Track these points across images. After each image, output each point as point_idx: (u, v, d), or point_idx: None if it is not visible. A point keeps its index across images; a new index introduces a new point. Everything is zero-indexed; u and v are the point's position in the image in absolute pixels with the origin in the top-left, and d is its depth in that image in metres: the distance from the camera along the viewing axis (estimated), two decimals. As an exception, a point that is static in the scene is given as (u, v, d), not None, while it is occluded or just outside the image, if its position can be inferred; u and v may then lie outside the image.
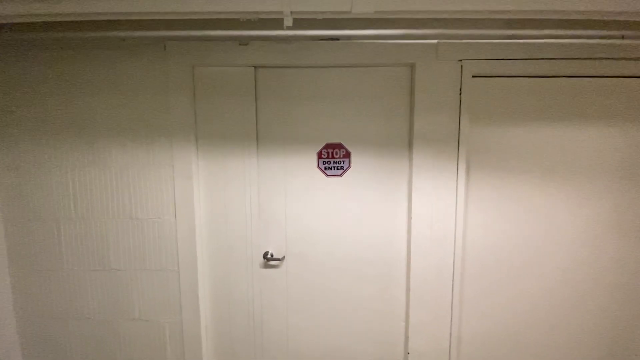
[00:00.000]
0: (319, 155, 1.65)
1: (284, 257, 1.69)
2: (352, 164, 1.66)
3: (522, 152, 1.66)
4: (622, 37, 1.47)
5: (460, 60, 1.56)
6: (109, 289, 1.66)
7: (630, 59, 1.56)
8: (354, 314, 1.73)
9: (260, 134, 1.64)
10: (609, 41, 1.51)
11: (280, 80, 1.61)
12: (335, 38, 1.52)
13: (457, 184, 1.62)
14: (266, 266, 1.70)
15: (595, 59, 1.56)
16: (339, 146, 1.65)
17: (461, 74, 1.57)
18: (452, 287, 1.68)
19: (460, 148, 1.60)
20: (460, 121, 1.59)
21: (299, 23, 1.41)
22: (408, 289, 1.69)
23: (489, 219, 1.70)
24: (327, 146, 1.65)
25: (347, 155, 1.65)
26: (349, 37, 1.52)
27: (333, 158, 1.65)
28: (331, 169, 1.66)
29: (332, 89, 1.62)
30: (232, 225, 1.66)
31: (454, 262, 1.66)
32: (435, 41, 1.54)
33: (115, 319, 1.67)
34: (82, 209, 1.61)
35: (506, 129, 1.65)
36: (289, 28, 1.22)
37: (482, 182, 1.68)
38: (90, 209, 1.61)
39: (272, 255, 1.68)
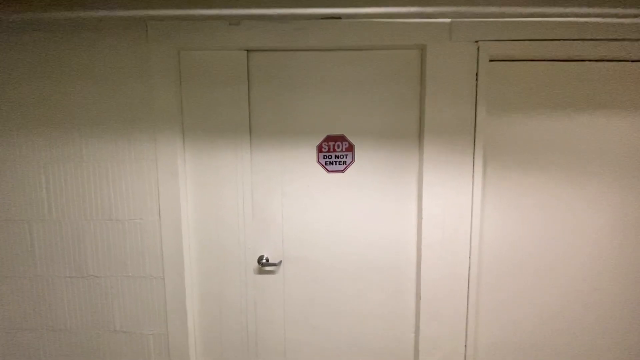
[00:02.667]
0: (319, 149, 1.49)
1: (280, 261, 1.52)
2: (355, 159, 1.50)
3: (545, 144, 1.50)
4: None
5: (477, 42, 1.40)
6: (86, 298, 1.49)
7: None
8: (359, 325, 1.56)
9: (254, 125, 1.48)
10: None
11: (275, 65, 1.45)
12: (337, 17, 1.36)
13: (472, 180, 1.45)
14: (261, 272, 1.53)
15: (632, 40, 1.39)
16: (341, 138, 1.49)
17: (477, 57, 1.41)
18: (468, 294, 1.51)
19: (476, 140, 1.44)
20: (477, 110, 1.43)
21: (295, -3, 1.26)
22: (418, 297, 1.52)
23: (507, 218, 1.53)
24: (328, 139, 1.49)
25: (350, 148, 1.49)
26: (352, 16, 1.36)
27: (334, 152, 1.49)
28: (332, 164, 1.50)
29: (334, 74, 1.46)
30: (223, 226, 1.50)
31: (469, 266, 1.49)
32: (448, 20, 1.38)
33: (93, 331, 1.51)
34: (56, 209, 1.45)
35: (527, 119, 1.49)
36: (283, -2, 1.05)
37: (500, 177, 1.51)
38: (66, 209, 1.45)
39: (267, 260, 1.51)
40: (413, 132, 1.48)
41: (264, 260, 1.50)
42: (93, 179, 1.44)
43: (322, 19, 1.36)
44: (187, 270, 1.48)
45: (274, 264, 1.49)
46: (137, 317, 1.50)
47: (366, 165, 1.50)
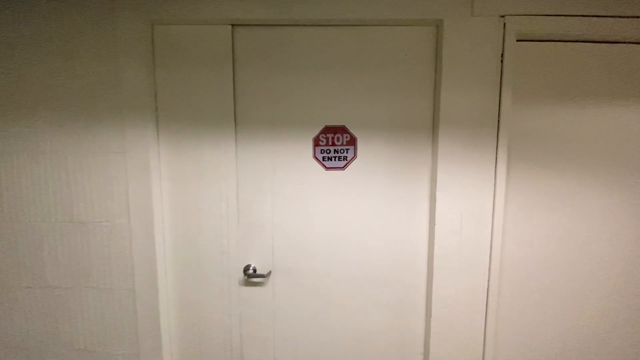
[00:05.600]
0: (316, 142, 1.28)
1: (269, 272, 1.32)
2: (358, 154, 1.29)
3: (580, 139, 1.29)
4: None
5: (503, 17, 1.19)
6: (45, 311, 1.30)
7: None
8: (359, 345, 1.36)
9: (240, 113, 1.27)
10: None
11: (265, 43, 1.24)
12: (338, -15, 1.15)
13: (495, 179, 1.25)
14: (247, 284, 1.33)
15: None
16: (342, 130, 1.28)
17: (503, 36, 1.20)
18: (486, 313, 1.30)
19: (499, 133, 1.22)
20: (501, 98, 1.22)
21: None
22: (429, 316, 1.32)
23: (533, 224, 1.32)
24: (327, 130, 1.28)
25: (352, 141, 1.28)
26: (356, -16, 1.15)
27: (334, 146, 1.28)
28: (331, 160, 1.29)
29: (334, 55, 1.24)
30: (204, 231, 1.29)
31: (488, 280, 1.29)
32: (470, -10, 1.17)
33: (54, 349, 1.31)
34: (9, 209, 1.24)
35: (560, 110, 1.28)
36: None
37: (526, 177, 1.30)
38: (19, 209, 1.24)
39: (254, 271, 1.31)
40: (426, 123, 1.27)
41: (250, 271, 1.30)
42: (51, 174, 1.23)
43: (320, -14, 1.15)
44: (162, 282, 1.28)
45: (262, 275, 1.28)
46: (104, 334, 1.30)
47: (370, 161, 1.29)
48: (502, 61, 1.20)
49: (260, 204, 1.30)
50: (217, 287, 1.31)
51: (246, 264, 1.31)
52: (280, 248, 1.32)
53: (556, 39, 1.24)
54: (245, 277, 1.30)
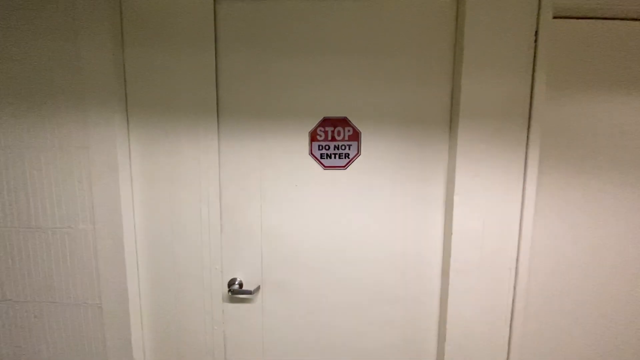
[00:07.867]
0: (313, 137, 1.09)
1: (258, 287, 1.14)
2: (361, 150, 1.10)
3: (628, 136, 1.09)
4: None
5: (539, -13, 0.98)
6: (5, 327, 1.14)
7: None
8: (361, 372, 1.19)
9: (223, 103, 1.08)
10: None
11: (253, 20, 1.05)
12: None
13: (524, 183, 1.05)
14: (233, 300, 1.15)
15: None
16: (343, 123, 1.09)
17: (538, 10, 1.00)
18: (510, 338, 1.12)
19: (531, 128, 1.03)
20: (534, 87, 1.02)
21: None
22: (442, 338, 1.14)
23: (570, 237, 1.14)
24: (325, 122, 1.09)
25: (355, 136, 1.09)
26: (361, -55, 0.95)
27: (334, 141, 1.09)
28: (331, 158, 1.10)
29: (335, 35, 1.05)
30: (182, 240, 1.12)
31: (513, 300, 1.10)
32: (500, -47, 0.96)
33: (12, 372, 1.16)
34: (-42, 212, 1.08)
35: (605, 101, 1.08)
36: None
37: (562, 180, 1.11)
38: (-30, 212, 1.08)
39: (240, 286, 1.13)
40: (443, 115, 1.08)
41: (236, 286, 1.12)
42: (5, 173, 1.06)
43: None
44: (133, 298, 1.11)
45: (249, 292, 1.11)
46: (69, 355, 1.14)
47: (376, 159, 1.10)
48: (535, 42, 1.00)
49: (247, 208, 1.12)
50: (198, 304, 1.14)
51: (231, 278, 1.14)
52: (271, 259, 1.14)
53: (602, 15, 1.04)
54: (230, 293, 1.12)
